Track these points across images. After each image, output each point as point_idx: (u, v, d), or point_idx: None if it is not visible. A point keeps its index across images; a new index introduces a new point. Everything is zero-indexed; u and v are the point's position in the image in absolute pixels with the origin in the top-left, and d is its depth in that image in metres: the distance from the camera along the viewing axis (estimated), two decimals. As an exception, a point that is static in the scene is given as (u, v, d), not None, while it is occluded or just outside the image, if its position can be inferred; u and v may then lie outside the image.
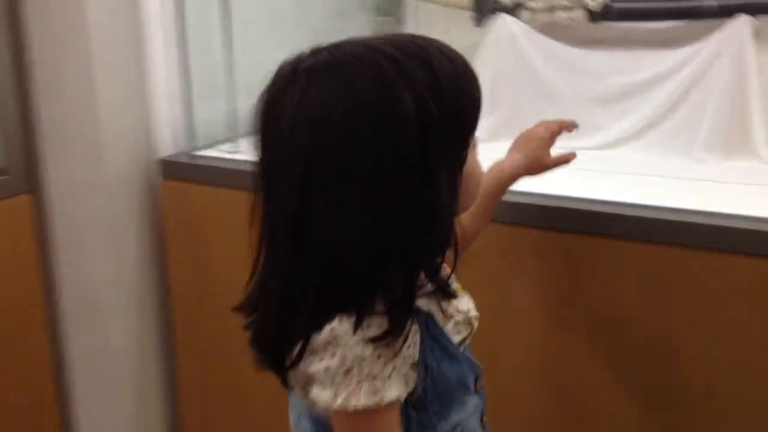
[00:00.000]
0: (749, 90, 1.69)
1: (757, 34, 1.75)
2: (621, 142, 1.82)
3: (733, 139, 1.70)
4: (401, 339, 0.74)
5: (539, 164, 1.19)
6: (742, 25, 1.73)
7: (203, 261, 1.84)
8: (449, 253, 0.79)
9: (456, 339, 0.84)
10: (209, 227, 1.82)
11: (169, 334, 1.94)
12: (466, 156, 0.79)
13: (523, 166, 1.16)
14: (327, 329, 0.74)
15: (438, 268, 0.80)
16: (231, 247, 1.79)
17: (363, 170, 0.71)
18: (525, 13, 2.01)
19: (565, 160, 1.22)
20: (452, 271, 0.83)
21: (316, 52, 0.76)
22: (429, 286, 0.80)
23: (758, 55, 1.73)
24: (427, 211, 0.74)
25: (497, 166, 1.15)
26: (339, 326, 0.74)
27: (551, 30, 1.99)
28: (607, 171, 1.50)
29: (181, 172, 1.84)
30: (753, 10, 1.74)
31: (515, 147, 1.19)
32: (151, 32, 1.81)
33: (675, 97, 1.78)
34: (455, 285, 0.86)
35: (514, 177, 1.16)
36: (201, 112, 1.90)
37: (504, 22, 2.02)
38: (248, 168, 1.74)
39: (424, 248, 0.76)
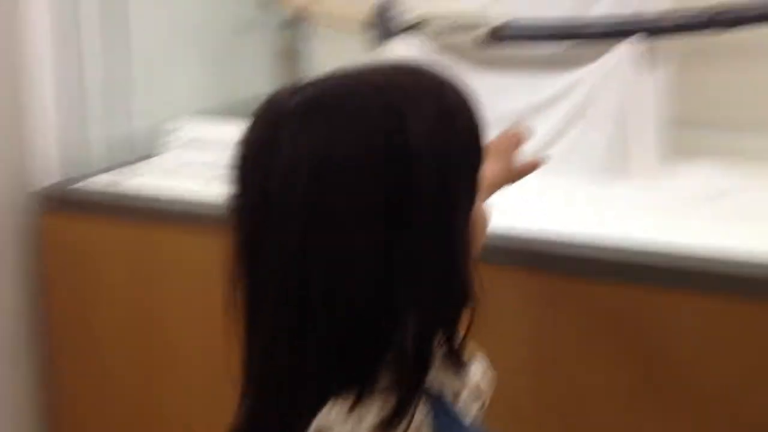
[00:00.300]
0: (638, 112, 1.71)
1: (647, 56, 1.77)
2: None
3: (619, 161, 1.71)
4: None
5: (514, 173, 1.14)
6: (631, 47, 1.75)
7: (89, 304, 1.74)
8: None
9: (469, 413, 0.73)
10: (95, 265, 1.73)
11: (50, 384, 1.82)
12: (477, 192, 0.73)
13: (501, 176, 1.11)
14: (314, 423, 0.64)
15: (456, 326, 0.71)
16: (120, 287, 1.71)
17: (375, 212, 0.64)
18: (419, 35, 1.99)
19: (536, 165, 1.18)
20: (467, 332, 0.74)
21: (299, 88, 0.68)
22: (439, 355, 0.70)
23: (647, 77, 1.75)
24: (446, 256, 0.67)
25: None
26: (329, 415, 0.64)
27: (445, 52, 1.98)
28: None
29: (64, 205, 1.74)
30: (642, 32, 1.76)
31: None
32: (32, 45, 1.69)
33: (567, 119, 1.79)
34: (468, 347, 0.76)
35: (496, 188, 1.11)
36: (88, 136, 1.81)
37: (399, 44, 2.00)
38: (140, 201, 1.70)
39: (443, 300, 0.68)
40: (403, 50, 1.99)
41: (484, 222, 0.77)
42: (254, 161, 0.68)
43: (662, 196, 1.61)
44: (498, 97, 1.87)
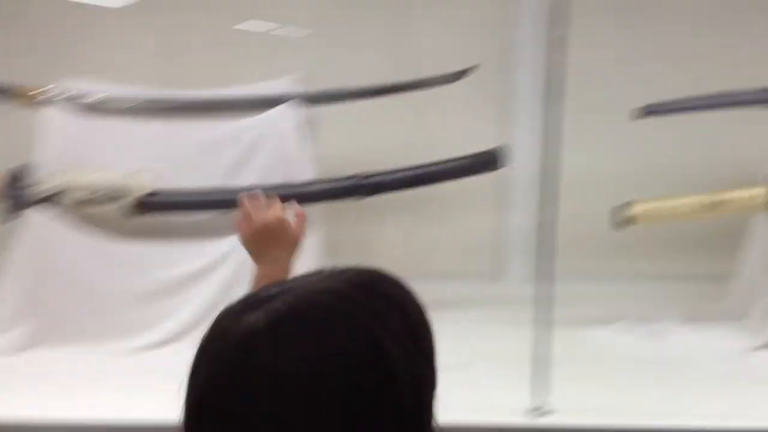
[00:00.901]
0: None
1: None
2: (171, 340, 1.73)
3: None
4: None
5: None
6: None
7: None
8: None
9: None
10: None
11: None
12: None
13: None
14: None
15: None
16: None
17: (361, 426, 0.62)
18: (60, 207, 1.85)
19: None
20: None
21: (257, 304, 0.65)
22: None
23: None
24: None
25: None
26: None
27: (91, 223, 1.87)
28: (162, 377, 1.38)
29: None
30: (288, 200, 1.80)
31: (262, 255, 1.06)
32: None
33: (222, 289, 1.76)
34: None
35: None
36: None
37: (36, 217, 1.85)
38: None
39: None
40: (37, 226, 1.84)
41: None
42: (223, 386, 0.64)
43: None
44: (151, 267, 1.81)
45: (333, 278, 0.70)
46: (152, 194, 1.86)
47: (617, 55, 2.16)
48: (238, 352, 0.64)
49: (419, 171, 1.78)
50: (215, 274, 1.80)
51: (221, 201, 1.86)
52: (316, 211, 1.90)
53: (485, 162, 1.76)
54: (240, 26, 2.21)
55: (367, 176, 1.81)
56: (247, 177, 1.87)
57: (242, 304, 0.67)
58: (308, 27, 2.21)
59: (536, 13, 2.07)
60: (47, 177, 1.86)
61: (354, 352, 0.64)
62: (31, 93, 1.98)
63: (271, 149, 1.86)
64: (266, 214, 1.09)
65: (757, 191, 1.87)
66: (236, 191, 1.85)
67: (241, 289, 1.91)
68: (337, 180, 1.84)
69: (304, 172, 1.85)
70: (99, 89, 1.97)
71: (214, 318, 0.67)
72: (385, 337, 0.66)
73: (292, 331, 0.64)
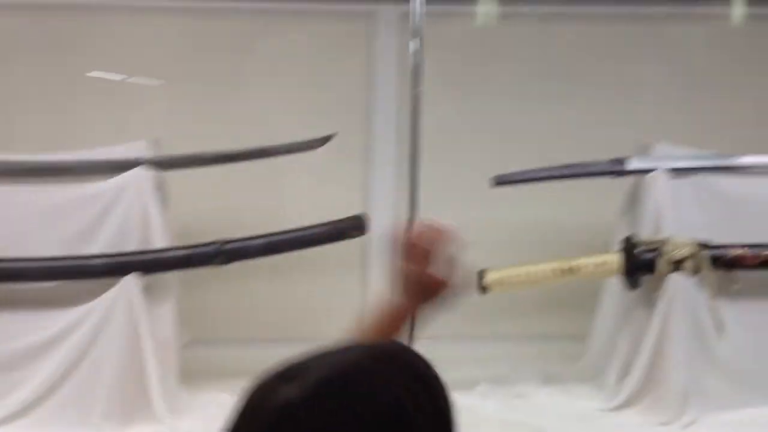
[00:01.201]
0: (144, 349, 1.66)
1: (148, 291, 1.75)
2: (10, 419, 1.61)
3: (132, 401, 1.63)
4: None
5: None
6: (131, 283, 1.71)
7: None
8: None
9: None
10: None
11: None
12: None
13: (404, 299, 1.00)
14: None
15: None
16: None
17: None
18: None
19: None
20: None
21: (294, 373, 0.70)
22: None
23: (151, 310, 1.72)
24: None
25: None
26: None
27: None
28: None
29: None
30: (141, 268, 1.73)
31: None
32: None
33: (68, 363, 1.65)
34: None
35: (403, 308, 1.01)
36: None
37: None
38: None
39: None
40: None
41: None
42: None
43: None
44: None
45: (362, 352, 0.77)
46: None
47: (475, 120, 2.23)
48: (275, 423, 0.68)
49: (283, 237, 1.76)
50: (59, 347, 1.69)
51: (65, 270, 1.75)
52: (171, 277, 1.82)
53: (349, 227, 1.76)
54: (87, 80, 2.13)
55: (228, 242, 1.76)
56: (98, 243, 1.76)
57: (277, 376, 0.71)
58: (160, 85, 2.16)
59: (393, 80, 2.12)
60: None
61: (381, 421, 0.69)
62: None
63: (123, 214, 1.78)
64: (445, 276, 1.00)
65: (608, 258, 1.95)
66: (82, 258, 1.76)
67: (88, 364, 1.80)
68: (196, 246, 1.78)
69: (159, 237, 1.77)
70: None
71: (249, 388, 0.71)
72: (411, 407, 0.71)
73: (324, 402, 0.69)
